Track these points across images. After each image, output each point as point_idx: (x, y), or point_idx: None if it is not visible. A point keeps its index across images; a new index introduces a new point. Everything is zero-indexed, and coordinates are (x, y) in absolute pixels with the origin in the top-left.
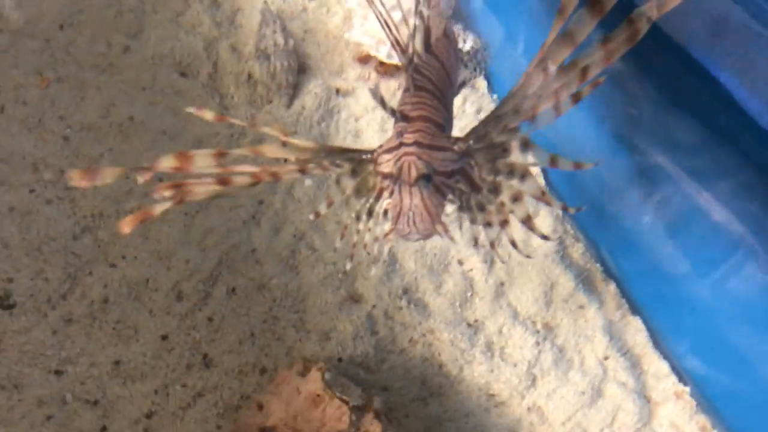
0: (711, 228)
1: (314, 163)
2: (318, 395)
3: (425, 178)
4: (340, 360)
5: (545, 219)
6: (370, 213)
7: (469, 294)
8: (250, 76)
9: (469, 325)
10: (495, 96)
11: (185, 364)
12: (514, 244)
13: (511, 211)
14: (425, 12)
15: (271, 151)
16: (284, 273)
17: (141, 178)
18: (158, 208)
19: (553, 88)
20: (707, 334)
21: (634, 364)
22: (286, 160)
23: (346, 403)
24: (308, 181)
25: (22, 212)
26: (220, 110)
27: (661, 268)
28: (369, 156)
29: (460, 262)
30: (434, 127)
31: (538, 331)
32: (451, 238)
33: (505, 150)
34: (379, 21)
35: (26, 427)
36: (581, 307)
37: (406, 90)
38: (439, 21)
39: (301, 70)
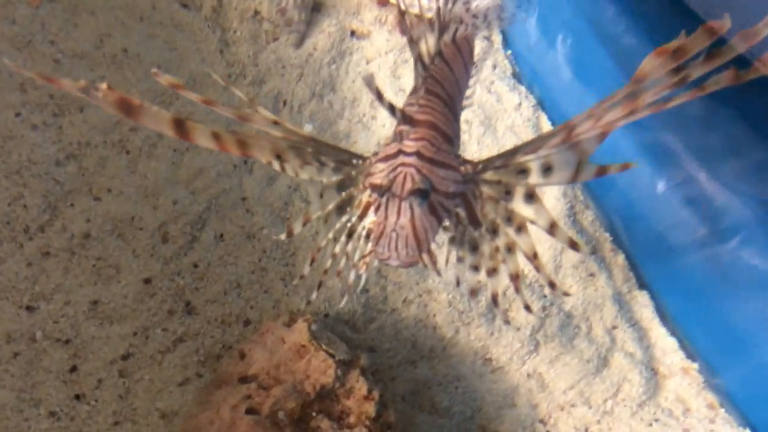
0: (721, 204)
1: (299, 150)
2: (303, 346)
3: (421, 195)
4: (326, 316)
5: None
6: (350, 234)
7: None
8: (256, 12)
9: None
10: (509, 52)
11: (167, 310)
12: (495, 299)
13: (503, 261)
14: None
15: (259, 121)
16: (276, 224)
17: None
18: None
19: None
20: (715, 310)
21: (642, 337)
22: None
23: (332, 356)
24: (308, 127)
25: (4, 135)
26: (220, 45)
27: (670, 242)
28: (360, 162)
29: None
30: (441, 138)
31: (545, 296)
32: (438, 272)
33: (508, 193)
34: (400, 13)
35: None
36: (592, 275)
37: (414, 91)
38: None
39: (315, 7)
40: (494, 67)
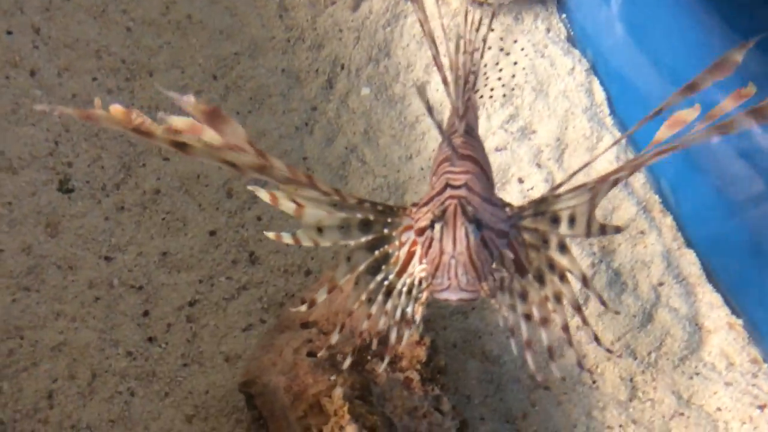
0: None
1: (337, 203)
2: None
3: (475, 223)
4: None
5: (611, 150)
6: (388, 293)
7: None
8: None
9: None
10: (563, 15)
11: (231, 260)
12: (551, 353)
13: (554, 311)
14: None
15: (296, 175)
16: (334, 182)
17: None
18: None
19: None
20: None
21: (689, 292)
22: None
23: None
24: (365, 90)
25: (84, 99)
26: (279, 11)
27: (716, 202)
28: (400, 212)
29: (521, 180)
30: (484, 177)
31: (594, 253)
32: (498, 307)
33: (545, 242)
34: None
35: (77, 306)
36: (642, 232)
37: (451, 132)
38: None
39: None
40: (548, 30)
